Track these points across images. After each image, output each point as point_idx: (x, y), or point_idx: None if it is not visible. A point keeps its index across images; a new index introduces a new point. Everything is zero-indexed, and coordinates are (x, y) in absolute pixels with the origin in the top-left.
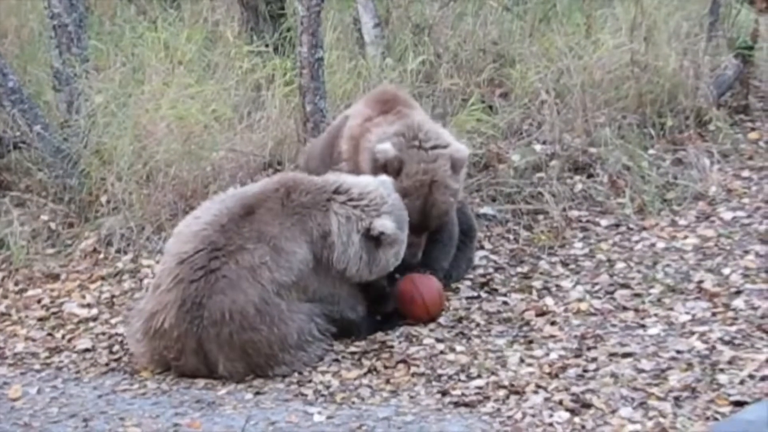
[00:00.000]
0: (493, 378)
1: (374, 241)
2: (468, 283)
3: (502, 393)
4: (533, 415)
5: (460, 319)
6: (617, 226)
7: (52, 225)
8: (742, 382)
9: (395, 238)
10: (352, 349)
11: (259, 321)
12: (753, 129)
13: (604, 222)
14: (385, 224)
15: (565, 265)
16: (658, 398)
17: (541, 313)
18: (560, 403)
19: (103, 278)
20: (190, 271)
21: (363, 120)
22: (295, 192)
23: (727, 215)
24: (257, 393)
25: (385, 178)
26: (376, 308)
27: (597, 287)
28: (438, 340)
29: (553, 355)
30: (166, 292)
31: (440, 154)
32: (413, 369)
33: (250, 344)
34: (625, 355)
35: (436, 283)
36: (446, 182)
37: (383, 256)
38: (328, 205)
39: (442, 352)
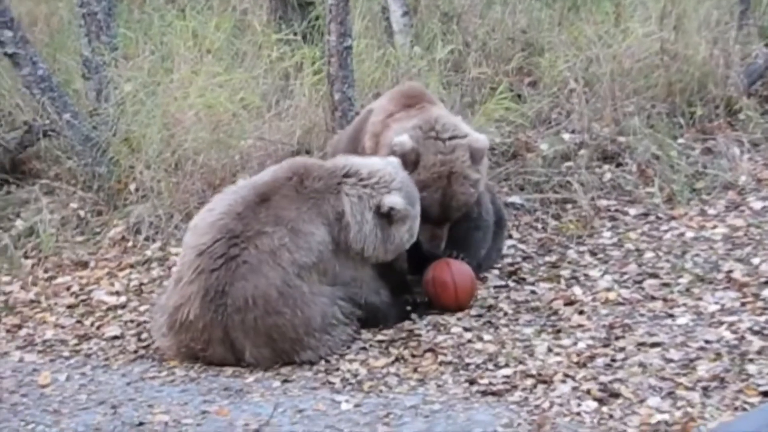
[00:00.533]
0: (520, 367)
1: (386, 218)
2: (496, 272)
3: (529, 382)
4: (561, 405)
5: (488, 308)
6: (646, 215)
7: (81, 213)
8: None
9: (406, 214)
10: (380, 337)
11: (282, 304)
12: None
13: (632, 211)
14: (394, 200)
15: (593, 254)
16: (687, 388)
17: (569, 303)
18: (588, 392)
19: (131, 266)
20: (210, 261)
21: (385, 116)
22: (308, 179)
23: (757, 205)
24: (285, 381)
25: (392, 159)
26: (397, 295)
27: (625, 277)
28: (466, 329)
29: (581, 345)
30: (188, 284)
31: (458, 144)
32: (441, 358)
33: (275, 329)
34: (654, 345)
35: (470, 272)
36: (465, 173)
37: (396, 232)
38: (340, 188)
39: (469, 341)
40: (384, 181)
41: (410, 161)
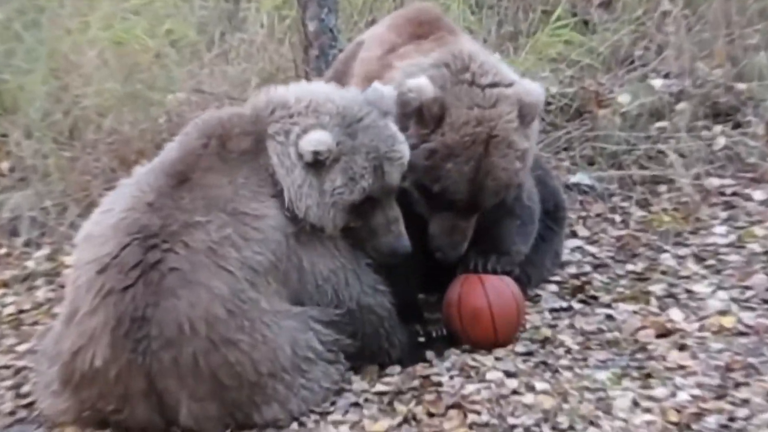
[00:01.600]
0: (591, 430)
1: (314, 164)
2: (553, 287)
3: None
4: None
5: (541, 342)
6: None
7: None
8: None
9: (341, 150)
10: (381, 387)
11: (235, 329)
12: None
13: (758, 195)
14: (313, 139)
15: (699, 260)
16: None
17: (663, 333)
18: None
19: (4, 284)
20: (119, 276)
21: (384, 51)
22: (230, 138)
23: None
24: None
25: (357, 92)
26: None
27: (749, 293)
28: (508, 374)
29: (683, 396)
30: (89, 315)
31: (502, 95)
32: (472, 418)
33: (224, 369)
34: None
35: (514, 289)
36: (510, 138)
37: (328, 178)
38: (266, 132)
39: (514, 392)
40: (315, 105)
41: (431, 116)
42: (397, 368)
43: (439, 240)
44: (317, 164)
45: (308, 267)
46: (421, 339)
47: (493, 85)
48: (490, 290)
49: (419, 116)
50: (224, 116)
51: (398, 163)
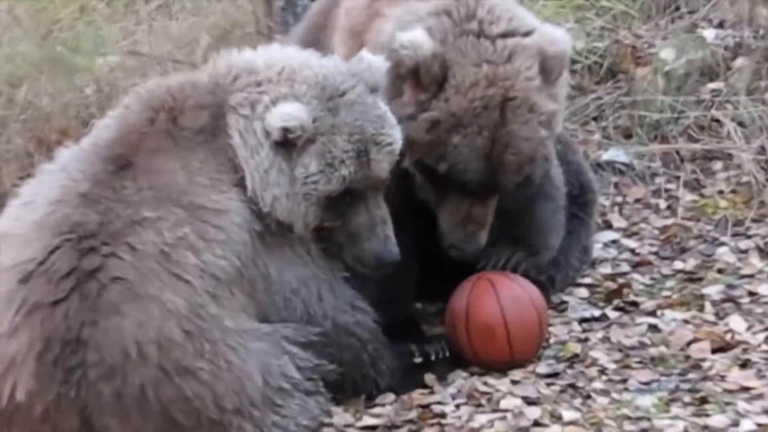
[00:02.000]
0: None
1: (284, 144)
2: (583, 292)
3: None
4: None
5: (569, 360)
6: None
7: None
8: None
9: (317, 129)
10: (369, 420)
11: (193, 353)
12: None
13: None
14: (283, 112)
15: (765, 254)
16: None
17: (721, 347)
18: None
19: None
20: (47, 287)
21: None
22: (182, 113)
23: None
24: None
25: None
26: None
27: None
28: (528, 401)
29: (747, 425)
30: (9, 337)
31: (519, 47)
32: None
33: (180, 404)
34: None
35: (533, 296)
36: (531, 100)
37: (301, 162)
38: (227, 104)
39: (536, 424)
40: (289, 72)
41: (430, 78)
42: (390, 396)
43: (452, 234)
44: (287, 144)
45: (275, 275)
46: (418, 360)
47: (507, 34)
48: (505, 297)
49: (416, 78)
50: (174, 85)
51: (387, 149)
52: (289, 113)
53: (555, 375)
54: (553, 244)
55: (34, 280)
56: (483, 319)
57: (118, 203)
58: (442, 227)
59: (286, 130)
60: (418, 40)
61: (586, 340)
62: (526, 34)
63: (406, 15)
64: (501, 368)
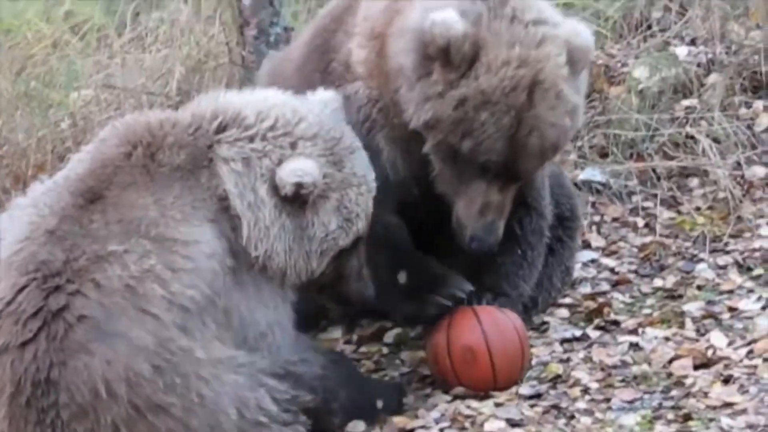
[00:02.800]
0: None
1: (294, 200)
2: (563, 312)
3: None
4: None
5: (552, 381)
6: None
7: None
8: None
9: (328, 185)
10: None
11: (164, 388)
12: None
13: None
14: (297, 168)
15: (744, 269)
16: None
17: (703, 363)
18: None
19: None
20: (15, 328)
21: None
22: (160, 149)
23: None
24: None
25: (317, 98)
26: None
27: None
28: (512, 423)
29: None
30: None
31: (550, 34)
32: None
33: None
34: None
35: (514, 319)
36: (560, 87)
37: (316, 219)
38: (213, 151)
39: None
40: (284, 125)
41: (461, 57)
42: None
43: (471, 223)
44: (296, 201)
45: (246, 313)
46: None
47: (539, 22)
48: (486, 321)
49: (446, 57)
50: (153, 121)
51: (372, 195)
52: (301, 169)
53: (538, 396)
54: (520, 292)
55: (2, 320)
56: (465, 344)
57: (84, 238)
58: (460, 218)
59: (299, 185)
60: (450, 19)
61: (568, 360)
62: (555, 25)
63: (433, 3)
64: (483, 391)
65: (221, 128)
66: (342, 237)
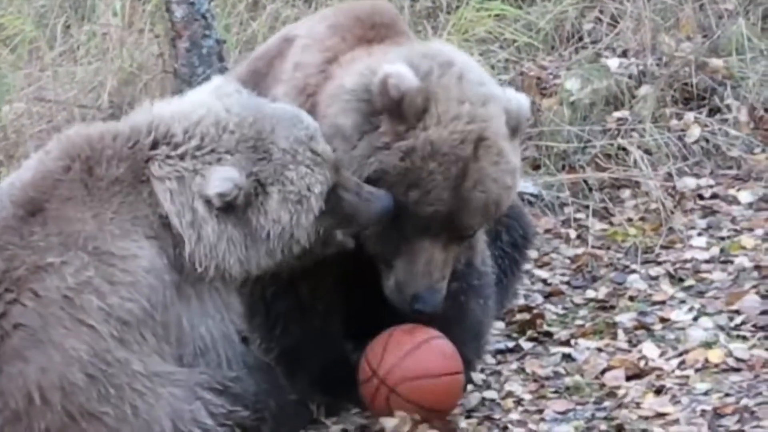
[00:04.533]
0: None
1: (228, 209)
2: (498, 324)
3: None
4: None
5: (482, 392)
6: None
7: None
8: None
9: (263, 182)
10: None
11: (97, 397)
12: None
13: (744, 196)
14: (216, 178)
15: (676, 280)
16: None
17: (636, 374)
18: None
19: None
20: None
21: (325, 58)
22: (99, 163)
23: None
24: None
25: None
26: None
27: (738, 319)
28: None
29: None
30: None
31: (493, 96)
32: None
33: None
34: None
35: (444, 348)
36: (501, 144)
37: (262, 218)
38: (148, 168)
39: None
40: (210, 142)
41: (413, 110)
42: None
43: (413, 282)
44: (232, 209)
45: (187, 327)
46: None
47: (483, 83)
48: (415, 351)
49: (397, 109)
50: (94, 134)
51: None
52: (219, 178)
53: (471, 410)
54: (485, 342)
55: None
56: (405, 369)
57: (24, 249)
58: (400, 279)
59: (222, 195)
60: (405, 72)
61: (500, 372)
62: (496, 88)
63: (373, 62)
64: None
65: (153, 145)
66: (302, 217)
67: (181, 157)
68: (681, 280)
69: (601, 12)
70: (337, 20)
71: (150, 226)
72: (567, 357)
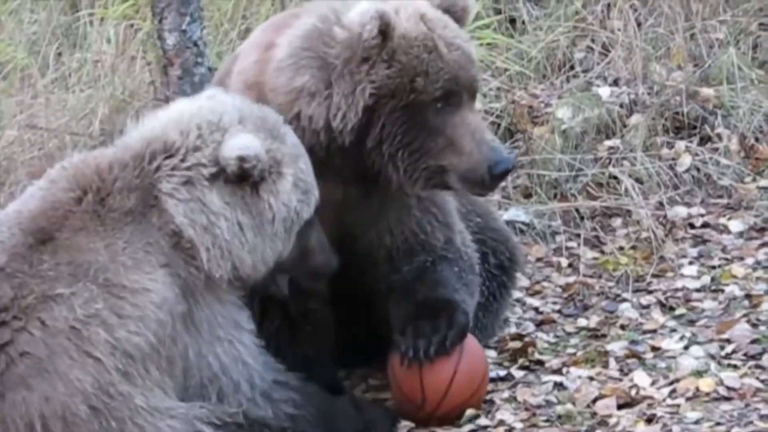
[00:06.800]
0: None
1: (241, 182)
2: (489, 352)
3: None
4: None
5: (474, 420)
6: (762, 230)
7: None
8: None
9: (279, 161)
10: None
11: (98, 429)
12: None
13: (735, 225)
14: (237, 143)
15: (667, 308)
16: None
17: (627, 403)
18: None
19: None
20: None
21: (261, 51)
22: (110, 195)
23: None
24: None
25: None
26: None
27: (729, 348)
28: None
29: None
30: None
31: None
32: None
33: None
34: None
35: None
36: (453, 27)
37: (273, 199)
38: (157, 189)
39: None
40: (208, 125)
41: (373, 43)
42: None
43: (476, 155)
44: (244, 181)
45: (194, 359)
46: None
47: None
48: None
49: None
50: (103, 164)
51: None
52: (243, 143)
53: None
54: (465, 302)
55: None
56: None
57: (33, 278)
58: (456, 164)
59: (242, 159)
60: (365, 9)
61: (492, 400)
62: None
63: (300, 33)
64: (418, 421)
65: (158, 167)
66: (305, 210)
67: (183, 159)
68: (672, 308)
69: (592, 41)
70: (272, 21)
71: (162, 252)
72: (558, 385)
